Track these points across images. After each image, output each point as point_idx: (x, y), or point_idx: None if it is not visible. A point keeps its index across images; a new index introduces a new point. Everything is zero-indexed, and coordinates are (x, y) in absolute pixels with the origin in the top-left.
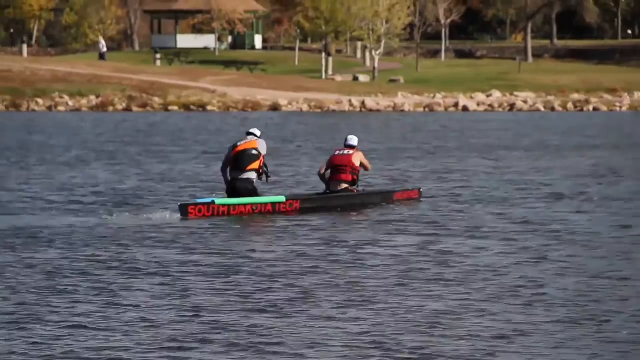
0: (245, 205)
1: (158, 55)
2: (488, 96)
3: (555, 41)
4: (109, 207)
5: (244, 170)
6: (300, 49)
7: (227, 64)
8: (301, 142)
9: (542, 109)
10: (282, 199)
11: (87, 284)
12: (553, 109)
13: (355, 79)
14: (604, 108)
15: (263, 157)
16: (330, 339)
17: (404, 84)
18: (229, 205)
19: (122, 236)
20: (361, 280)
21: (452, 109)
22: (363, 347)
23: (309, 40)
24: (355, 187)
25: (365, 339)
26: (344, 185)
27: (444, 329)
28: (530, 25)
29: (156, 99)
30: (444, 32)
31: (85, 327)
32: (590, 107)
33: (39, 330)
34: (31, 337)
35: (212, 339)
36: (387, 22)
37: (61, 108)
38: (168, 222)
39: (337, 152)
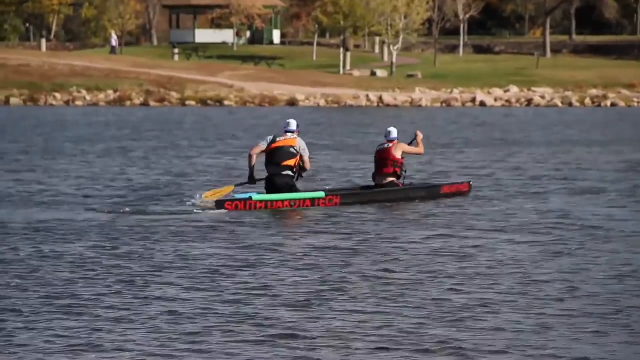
0: (283, 201)
1: (176, 50)
2: (505, 91)
3: (574, 37)
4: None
5: (279, 165)
6: (318, 44)
7: (245, 58)
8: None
9: (560, 105)
10: (322, 194)
11: (117, 277)
12: (571, 104)
13: (373, 74)
14: (622, 103)
15: (300, 156)
16: (357, 333)
17: (421, 79)
18: (266, 201)
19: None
20: (390, 273)
21: (469, 104)
22: (390, 341)
23: (327, 35)
24: (400, 180)
25: (392, 333)
26: (389, 179)
27: (473, 321)
28: (549, 20)
29: (174, 94)
30: (463, 28)
31: (110, 320)
32: (608, 103)
33: (65, 322)
34: (56, 330)
35: (240, 330)
36: (405, 17)
37: (79, 103)
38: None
39: (378, 147)
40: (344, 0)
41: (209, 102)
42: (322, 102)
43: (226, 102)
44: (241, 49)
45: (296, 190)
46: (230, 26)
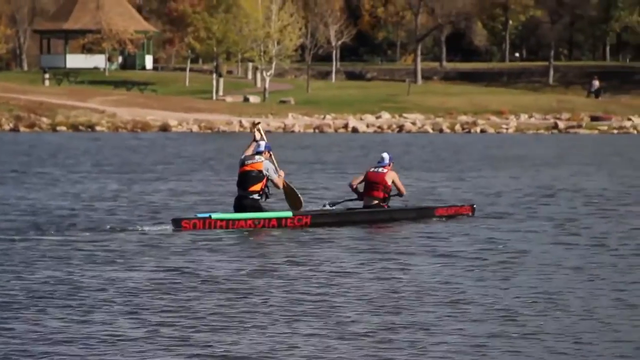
0: (245, 220)
1: (47, 75)
2: (377, 117)
3: (445, 63)
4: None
5: (246, 190)
6: (191, 70)
7: (117, 84)
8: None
9: (431, 131)
10: (289, 214)
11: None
12: (441, 130)
13: (246, 99)
14: (491, 130)
15: (266, 179)
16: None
17: (294, 105)
18: (227, 220)
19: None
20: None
21: (341, 130)
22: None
23: (200, 61)
24: (386, 203)
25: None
26: (376, 202)
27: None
28: (419, 47)
29: (44, 119)
30: (335, 54)
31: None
32: (478, 129)
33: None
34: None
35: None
36: (278, 43)
37: None
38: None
39: (372, 169)
40: (217, 26)
41: (80, 127)
42: (194, 128)
43: (98, 128)
44: (113, 74)
45: (262, 211)
46: (102, 51)
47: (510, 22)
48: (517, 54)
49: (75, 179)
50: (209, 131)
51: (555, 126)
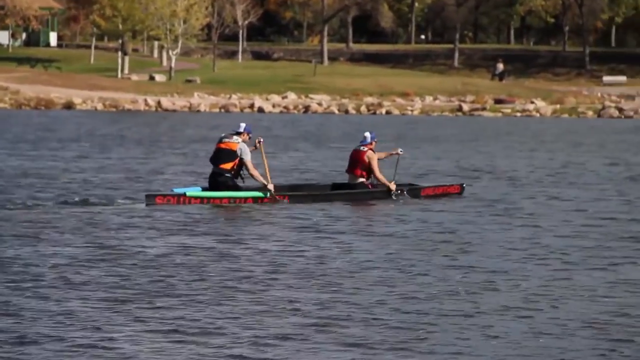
0: (221, 198)
1: None
2: (283, 98)
3: (351, 45)
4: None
5: (218, 166)
6: (96, 47)
7: (21, 60)
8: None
9: (336, 112)
10: (261, 194)
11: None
12: (347, 111)
13: (152, 78)
14: (396, 111)
15: (239, 159)
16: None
17: (200, 84)
18: (201, 198)
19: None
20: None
21: (247, 110)
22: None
23: (106, 38)
24: (370, 182)
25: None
26: (360, 180)
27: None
28: (326, 28)
29: None
30: (242, 34)
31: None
32: (383, 111)
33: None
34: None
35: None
36: (184, 22)
37: None
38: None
39: (355, 147)
40: (122, 4)
41: None
42: (99, 106)
43: (0, 105)
44: (16, 50)
45: (237, 189)
46: (5, 27)
47: (416, 4)
48: (422, 36)
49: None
50: (114, 109)
51: (460, 108)
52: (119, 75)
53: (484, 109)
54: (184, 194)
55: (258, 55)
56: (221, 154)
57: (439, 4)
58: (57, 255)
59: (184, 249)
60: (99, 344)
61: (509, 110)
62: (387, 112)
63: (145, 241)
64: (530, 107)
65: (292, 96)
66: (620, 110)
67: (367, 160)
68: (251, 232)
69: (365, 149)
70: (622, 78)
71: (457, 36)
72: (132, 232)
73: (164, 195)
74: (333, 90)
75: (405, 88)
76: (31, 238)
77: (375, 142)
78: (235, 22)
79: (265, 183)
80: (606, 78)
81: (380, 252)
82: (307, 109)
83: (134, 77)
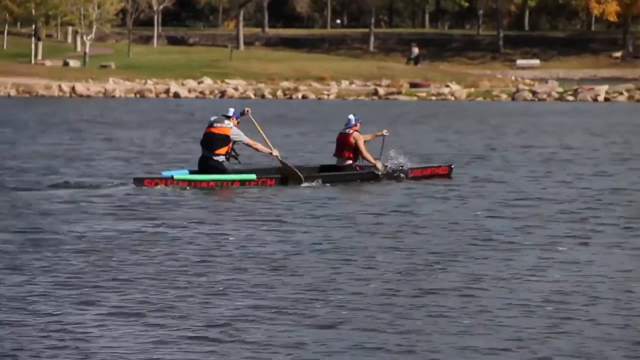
0: (208, 182)
1: None
2: (199, 83)
3: (267, 29)
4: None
5: (212, 151)
6: (9, 33)
7: None
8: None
9: (253, 97)
10: (253, 176)
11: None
12: (263, 96)
13: (66, 64)
14: (313, 96)
15: (232, 143)
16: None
17: (115, 70)
18: (189, 181)
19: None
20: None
21: (163, 95)
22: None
23: (18, 24)
24: (357, 164)
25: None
26: (348, 162)
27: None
28: (242, 13)
29: None
30: (157, 19)
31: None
32: (300, 95)
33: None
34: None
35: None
36: (99, 7)
37: None
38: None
39: (341, 130)
40: None
41: None
42: (12, 92)
43: None
44: None
45: (225, 172)
46: None
47: None
48: (338, 21)
49: None
50: (27, 95)
51: (376, 92)
52: (33, 61)
53: (399, 92)
54: (172, 177)
55: (173, 40)
56: (214, 139)
57: None
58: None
59: (133, 232)
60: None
61: (424, 94)
62: (304, 97)
63: (76, 226)
64: (445, 90)
65: (208, 81)
66: (534, 93)
67: (353, 141)
68: (193, 217)
69: (351, 131)
70: (536, 62)
71: (373, 20)
72: (76, 216)
73: (152, 179)
74: (249, 75)
75: (322, 72)
76: None
77: (360, 123)
78: (150, 7)
79: (270, 151)
80: (520, 62)
81: (334, 234)
82: (223, 94)
83: (48, 63)
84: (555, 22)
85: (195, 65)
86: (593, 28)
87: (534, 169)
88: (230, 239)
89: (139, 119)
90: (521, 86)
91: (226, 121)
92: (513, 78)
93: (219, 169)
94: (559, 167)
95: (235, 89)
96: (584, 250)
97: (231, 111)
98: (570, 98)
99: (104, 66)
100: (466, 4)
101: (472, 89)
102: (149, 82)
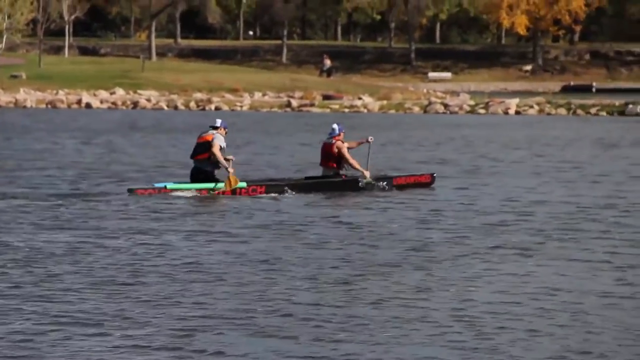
0: (200, 190)
1: None
2: (111, 94)
3: (179, 40)
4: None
5: (194, 157)
6: None
7: None
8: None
9: (166, 108)
10: (244, 184)
11: None
12: (176, 107)
13: None
14: (226, 107)
15: (213, 148)
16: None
17: (26, 80)
18: (182, 190)
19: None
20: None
21: (75, 106)
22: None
23: None
24: (343, 173)
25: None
26: (332, 172)
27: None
28: (154, 23)
29: None
30: (68, 29)
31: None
32: (212, 107)
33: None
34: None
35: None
36: (9, 17)
37: None
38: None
39: (325, 139)
40: None
41: None
42: None
43: None
44: None
45: (214, 179)
46: None
47: (244, 0)
48: (251, 32)
49: None
50: None
51: (289, 104)
52: None
53: (312, 104)
54: (165, 187)
55: (85, 51)
56: (198, 147)
57: (266, 0)
58: None
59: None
60: None
61: (337, 106)
62: (217, 108)
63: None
64: (358, 103)
65: (120, 92)
66: (446, 106)
67: (336, 150)
68: (133, 227)
69: (334, 140)
70: (447, 74)
71: (285, 32)
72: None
73: (145, 189)
74: (162, 86)
75: (234, 84)
76: None
77: (343, 133)
78: (61, 17)
79: (227, 166)
80: (431, 74)
81: (276, 245)
82: (135, 105)
83: None
84: (466, 36)
85: (107, 75)
86: (503, 42)
87: (464, 180)
88: (169, 248)
89: (49, 128)
90: (433, 99)
91: (211, 131)
92: (425, 91)
93: (208, 175)
94: (489, 179)
95: (148, 100)
96: (518, 261)
97: (218, 122)
98: (482, 111)
99: (15, 76)
100: (378, 17)
101: (385, 102)
102: (61, 92)
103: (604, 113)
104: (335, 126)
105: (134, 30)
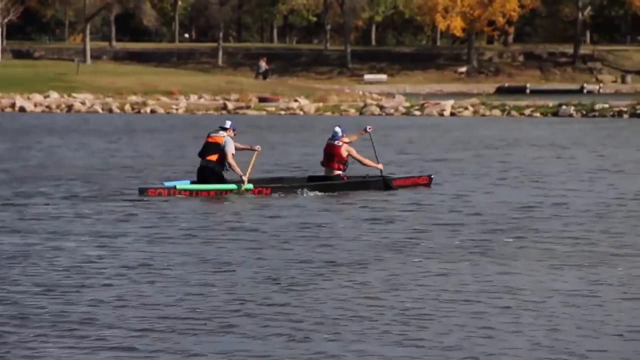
0: (208, 191)
1: None
2: (46, 97)
3: (114, 43)
4: None
5: (204, 158)
6: None
7: None
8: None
9: (100, 111)
10: (250, 186)
11: None
12: (111, 110)
13: None
14: (161, 110)
15: (222, 151)
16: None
17: None
18: (190, 190)
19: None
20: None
21: (9, 110)
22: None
23: None
24: (345, 174)
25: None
26: (336, 172)
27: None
28: (88, 26)
29: None
30: (1, 32)
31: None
32: (148, 109)
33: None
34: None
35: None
36: None
37: None
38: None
39: (329, 140)
40: None
41: None
42: None
43: None
44: None
45: (222, 179)
46: None
47: (179, 2)
48: (186, 35)
49: None
50: None
51: (225, 107)
52: None
53: (248, 107)
54: (174, 187)
55: (19, 54)
56: (208, 147)
57: (202, 2)
58: None
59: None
60: None
61: (273, 109)
62: (152, 111)
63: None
64: (294, 105)
65: (54, 95)
66: (382, 108)
67: (345, 154)
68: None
69: (340, 143)
70: (383, 77)
71: (221, 35)
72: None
73: (156, 189)
74: (97, 89)
75: (170, 86)
76: None
77: (344, 135)
78: None
79: (241, 174)
80: (367, 76)
81: (240, 247)
82: (70, 108)
83: None
84: (401, 38)
85: (41, 79)
86: (438, 43)
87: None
88: (126, 250)
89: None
90: (369, 101)
91: (221, 132)
92: (361, 93)
93: (215, 175)
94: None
95: (83, 103)
96: (473, 260)
97: (228, 123)
98: (417, 113)
99: None
100: (314, 19)
101: (321, 104)
102: None
103: (537, 114)
104: (337, 129)
105: (68, 33)
